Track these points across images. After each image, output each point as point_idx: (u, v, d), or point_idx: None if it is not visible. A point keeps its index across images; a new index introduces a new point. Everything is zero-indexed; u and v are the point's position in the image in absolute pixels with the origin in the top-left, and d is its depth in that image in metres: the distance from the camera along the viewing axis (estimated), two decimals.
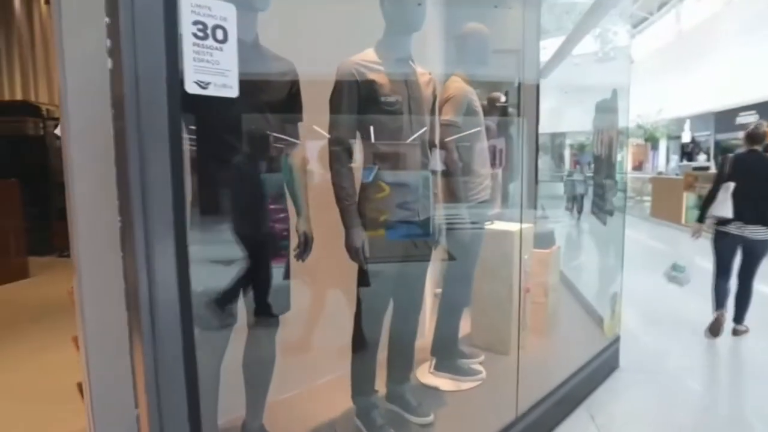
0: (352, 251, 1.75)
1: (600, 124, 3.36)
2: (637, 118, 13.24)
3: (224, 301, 1.57)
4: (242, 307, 1.69)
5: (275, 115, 1.63)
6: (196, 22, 0.87)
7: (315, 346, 2.23)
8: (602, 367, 2.64)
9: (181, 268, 0.89)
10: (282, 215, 1.72)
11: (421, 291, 2.05)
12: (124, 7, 0.80)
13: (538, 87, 5.51)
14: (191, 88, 0.87)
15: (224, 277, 1.55)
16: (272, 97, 1.62)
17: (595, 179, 3.53)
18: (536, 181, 5.80)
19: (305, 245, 1.76)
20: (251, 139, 1.57)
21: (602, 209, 3.21)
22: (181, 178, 0.87)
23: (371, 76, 1.70)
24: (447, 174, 2.17)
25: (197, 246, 1.55)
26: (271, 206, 1.67)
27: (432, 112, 1.95)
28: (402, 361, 2.11)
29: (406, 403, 2.09)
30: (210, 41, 0.89)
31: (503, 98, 5.03)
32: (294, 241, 1.75)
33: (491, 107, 4.05)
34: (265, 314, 1.74)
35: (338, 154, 1.72)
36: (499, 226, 2.73)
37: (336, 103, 1.71)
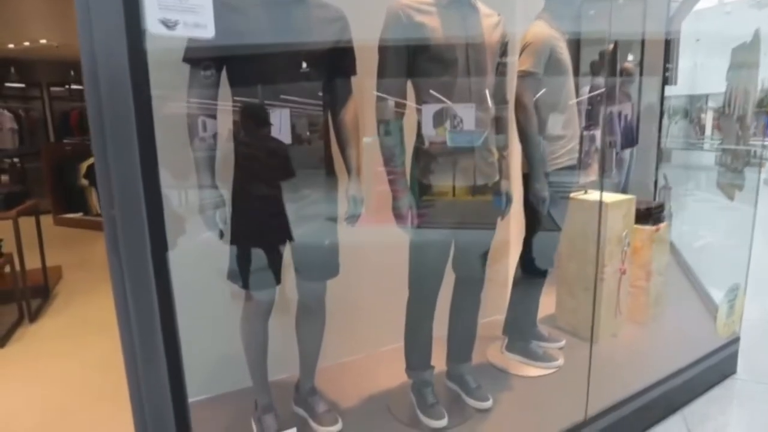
0: (399, 218, 1.58)
1: (735, 77, 2.68)
2: None
3: (266, 261, 1.52)
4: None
5: (322, 67, 1.48)
6: None
7: (377, 314, 2.12)
8: (712, 371, 2.16)
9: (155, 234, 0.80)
10: (330, 176, 1.60)
11: (483, 265, 1.81)
12: None
13: (667, 43, 4.62)
14: (156, 28, 0.75)
15: (265, 238, 1.49)
16: (318, 49, 1.46)
17: (724, 145, 2.87)
18: (658, 149, 4.98)
19: (354, 210, 1.62)
20: (294, 95, 1.44)
21: (731, 181, 2.59)
22: (151, 138, 0.77)
23: (420, 18, 1.44)
24: (521, 134, 1.87)
25: (237, 207, 1.52)
26: (318, 166, 1.56)
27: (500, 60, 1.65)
28: (462, 339, 1.91)
29: (465, 384, 1.89)
30: None
31: (631, 57, 4.32)
32: (343, 204, 1.62)
33: (601, 64, 3.48)
34: (311, 278, 1.66)
35: (385, 111, 1.53)
36: (592, 195, 2.33)
37: (382, 52, 1.50)
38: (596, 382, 1.75)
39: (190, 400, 1.84)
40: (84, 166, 5.74)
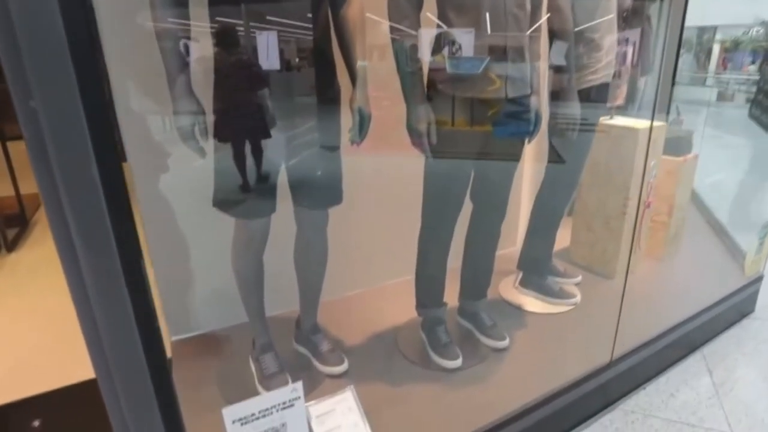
0: (414, 135, 1.33)
1: None
2: None
3: (258, 187, 1.28)
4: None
5: None
6: None
7: (383, 245, 1.93)
8: (732, 310, 2.03)
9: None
10: (331, 87, 1.32)
11: (506, 194, 1.59)
12: None
13: None
14: None
15: (256, 162, 1.24)
16: None
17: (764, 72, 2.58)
18: (672, 82, 4.66)
19: (360, 125, 1.33)
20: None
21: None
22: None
23: None
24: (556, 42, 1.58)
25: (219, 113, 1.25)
26: (316, 76, 1.28)
27: None
28: (478, 274, 1.73)
29: (480, 322, 1.74)
30: None
31: None
32: (347, 120, 1.36)
33: None
34: (311, 206, 1.43)
35: (400, 5, 1.23)
36: (620, 121, 2.08)
37: None
38: (611, 321, 1.61)
39: (180, 336, 1.67)
40: None
